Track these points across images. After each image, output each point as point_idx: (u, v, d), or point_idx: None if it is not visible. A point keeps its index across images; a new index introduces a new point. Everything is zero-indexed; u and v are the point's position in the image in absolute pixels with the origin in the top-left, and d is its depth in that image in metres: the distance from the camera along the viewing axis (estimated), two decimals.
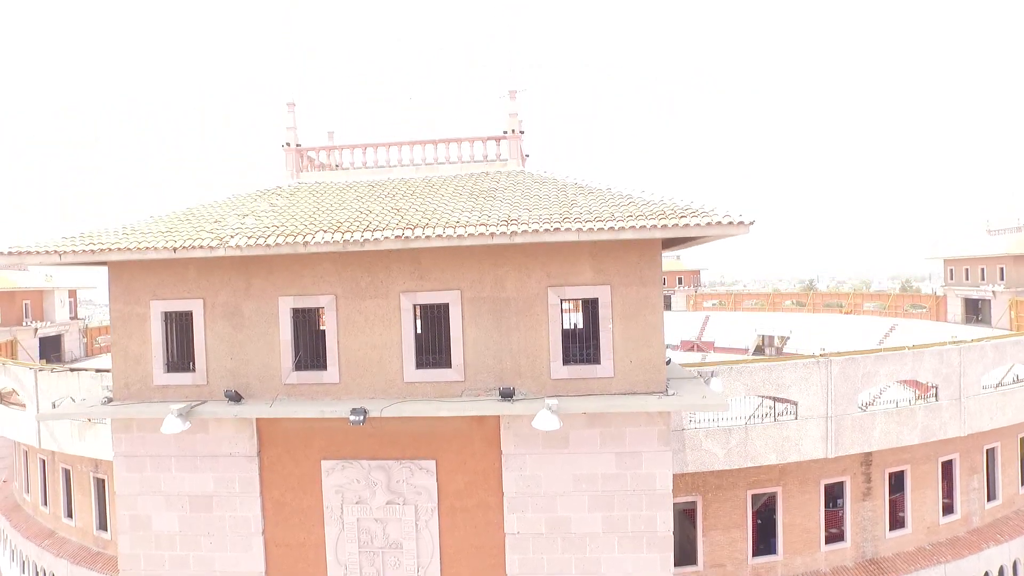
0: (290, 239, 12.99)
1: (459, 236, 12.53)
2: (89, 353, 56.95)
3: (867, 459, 25.92)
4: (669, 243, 15.26)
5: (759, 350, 70.95)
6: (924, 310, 60.89)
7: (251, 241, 13.08)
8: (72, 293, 56.12)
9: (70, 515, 31.45)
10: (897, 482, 26.74)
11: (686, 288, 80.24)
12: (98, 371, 27.46)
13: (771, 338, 70.98)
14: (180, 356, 15.04)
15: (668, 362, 17.01)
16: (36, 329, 49.99)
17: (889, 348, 25.45)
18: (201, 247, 13.26)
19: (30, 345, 49.67)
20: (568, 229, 12.34)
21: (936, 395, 25.32)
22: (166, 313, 14.87)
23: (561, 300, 13.92)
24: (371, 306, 14.24)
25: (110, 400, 15.05)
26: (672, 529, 14.02)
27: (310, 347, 14.66)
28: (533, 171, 16.74)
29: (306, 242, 12.86)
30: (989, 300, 52.88)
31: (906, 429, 24.65)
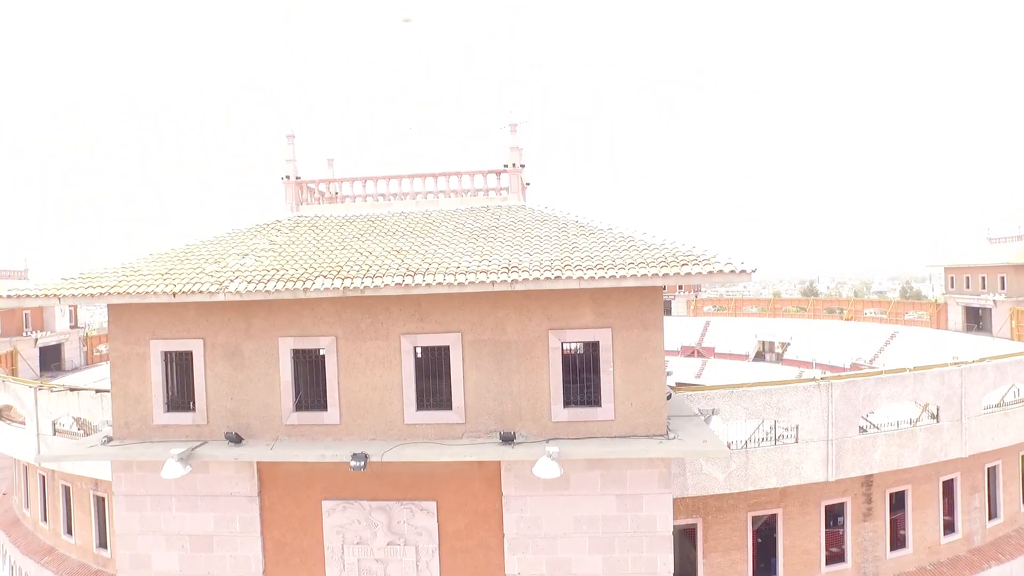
0: (290, 284, 12.94)
1: (459, 284, 12.48)
2: (89, 361, 56.89)
3: (868, 480, 25.86)
4: None
5: (759, 356, 70.99)
6: (925, 317, 60.86)
7: (251, 286, 13.03)
8: None
9: (70, 532, 31.41)
10: (898, 502, 26.70)
11: (686, 293, 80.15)
12: (98, 391, 27.39)
13: (771, 344, 71.01)
14: (180, 396, 15.00)
15: (669, 396, 16.97)
16: (36, 339, 49.94)
17: (890, 370, 25.37)
18: (201, 292, 13.21)
19: (30, 355, 49.62)
20: (569, 277, 12.29)
21: (937, 416, 25.28)
22: (166, 353, 14.83)
23: (562, 343, 13.87)
24: (371, 348, 14.19)
25: (110, 439, 15.02)
26: (672, 571, 13.98)
27: (311, 388, 14.61)
28: (534, 206, 16.67)
29: (306, 288, 12.81)
30: (990, 309, 52.79)
31: (907, 451, 24.60)
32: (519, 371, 13.94)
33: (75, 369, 54.42)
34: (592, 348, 13.94)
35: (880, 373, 25.14)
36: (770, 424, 24.55)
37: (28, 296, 13.81)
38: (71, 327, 55.51)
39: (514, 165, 16.76)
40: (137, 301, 13.53)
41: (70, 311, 55.74)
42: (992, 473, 28.71)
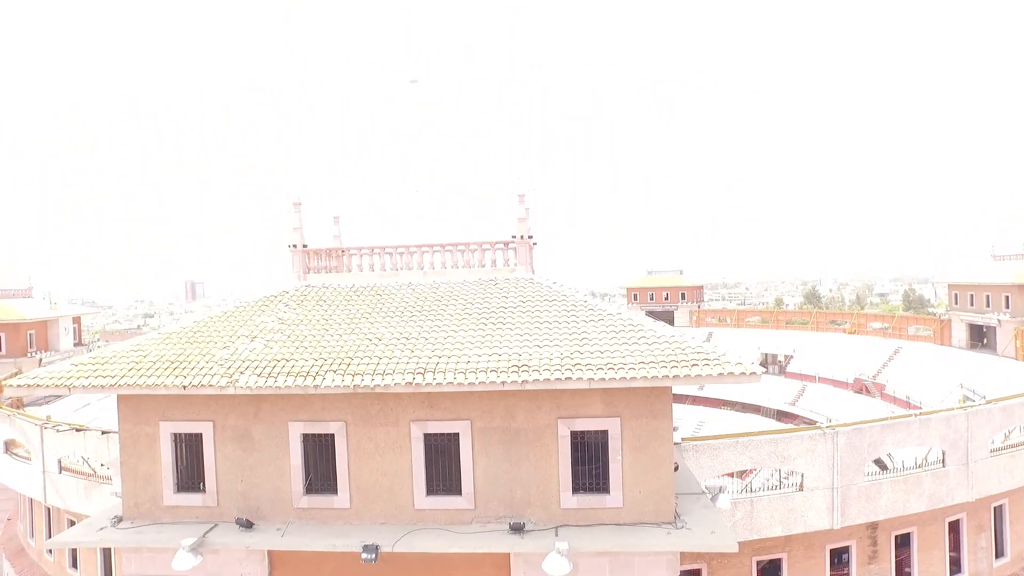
0: (300, 380, 12.97)
1: (470, 384, 12.50)
2: None
3: (873, 523, 25.87)
4: None
5: (762, 367, 71.01)
6: (929, 333, 60.79)
7: (260, 381, 13.06)
8: (76, 320, 56.14)
9: (75, 565, 31.54)
10: (903, 542, 26.72)
11: (689, 304, 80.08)
12: (104, 432, 27.45)
13: (774, 356, 71.00)
14: (190, 477, 15.03)
15: (676, 468, 16.97)
16: (40, 360, 50.00)
17: (895, 416, 25.44)
18: (211, 385, 13.24)
19: None
20: (580, 378, 12.31)
21: (943, 460, 25.30)
22: (175, 434, 14.87)
23: (571, 431, 13.89)
24: (381, 433, 14.22)
25: (119, 519, 15.06)
26: None
27: (321, 472, 14.63)
28: (541, 279, 16.64)
29: (316, 385, 12.83)
30: (995, 327, 52.68)
31: (913, 497, 24.64)
32: (528, 458, 13.97)
33: None
34: (601, 436, 13.94)
35: (885, 420, 25.17)
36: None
37: (40, 386, 13.86)
38: (75, 345, 55.57)
39: (522, 237, 16.75)
40: (148, 393, 13.57)
41: (74, 328, 55.80)
42: (999, 512, 28.72)
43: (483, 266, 17.16)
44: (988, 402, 26.64)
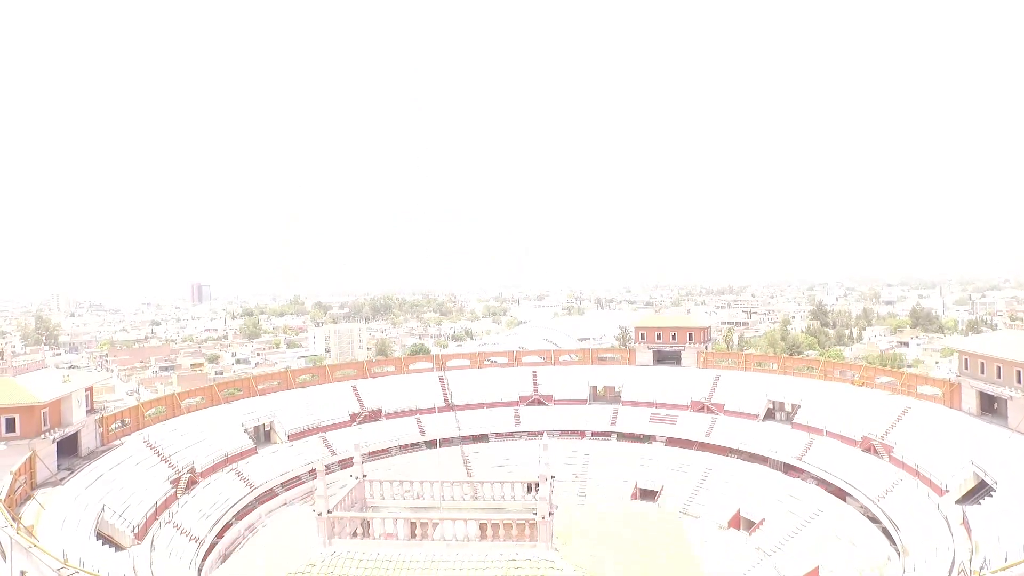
0: None
1: None
2: (105, 442, 57.39)
3: None
4: None
5: (769, 415, 71.09)
6: (938, 394, 60.82)
7: None
8: (89, 389, 56.41)
9: None
10: None
11: (696, 344, 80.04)
12: None
13: (782, 404, 70.96)
14: None
15: None
16: (54, 440, 50.29)
17: None
18: None
19: (47, 452, 49.97)
20: None
21: None
22: None
23: None
24: None
25: None
26: None
27: None
28: (561, 565, 16.64)
29: None
30: (1006, 400, 52.55)
31: None
32: None
33: (91, 455, 54.76)
34: None
35: None
36: None
37: None
38: (87, 413, 55.85)
39: (543, 517, 16.77)
40: None
41: (86, 397, 56.06)
42: None
43: (506, 540, 17.18)
44: (1000, 570, 26.71)
